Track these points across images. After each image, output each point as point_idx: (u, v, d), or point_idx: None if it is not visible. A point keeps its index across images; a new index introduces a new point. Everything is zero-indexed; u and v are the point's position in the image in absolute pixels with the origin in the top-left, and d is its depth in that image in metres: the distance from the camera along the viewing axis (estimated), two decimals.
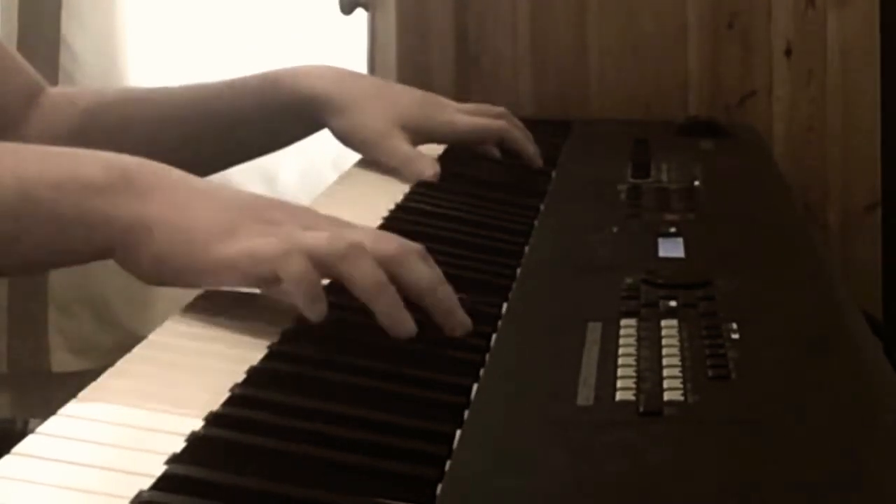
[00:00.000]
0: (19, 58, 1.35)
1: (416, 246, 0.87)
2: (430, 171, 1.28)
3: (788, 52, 1.71)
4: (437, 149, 1.39)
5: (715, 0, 1.71)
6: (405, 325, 0.83)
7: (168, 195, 0.88)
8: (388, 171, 1.32)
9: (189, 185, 0.90)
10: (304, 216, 0.89)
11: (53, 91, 1.37)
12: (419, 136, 1.34)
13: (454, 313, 0.85)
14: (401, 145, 1.31)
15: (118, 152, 1.35)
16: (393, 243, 0.86)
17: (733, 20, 1.71)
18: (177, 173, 0.91)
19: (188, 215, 0.87)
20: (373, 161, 1.35)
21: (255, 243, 0.85)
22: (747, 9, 1.71)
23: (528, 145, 1.37)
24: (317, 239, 0.85)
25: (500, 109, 1.40)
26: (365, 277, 0.83)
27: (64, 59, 2.23)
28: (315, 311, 0.83)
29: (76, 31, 2.24)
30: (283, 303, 0.90)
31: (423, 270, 0.86)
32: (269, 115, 1.34)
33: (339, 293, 0.91)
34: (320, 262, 0.83)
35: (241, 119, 1.34)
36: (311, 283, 0.83)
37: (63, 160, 0.88)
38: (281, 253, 0.83)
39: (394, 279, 0.84)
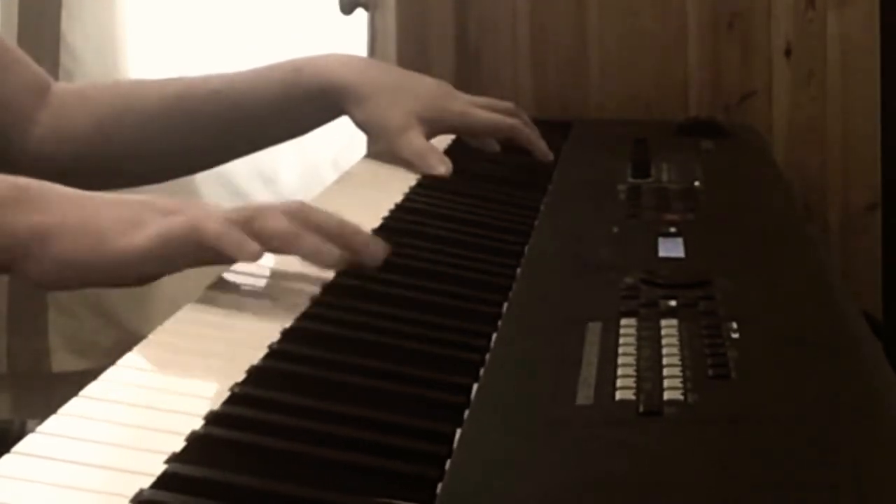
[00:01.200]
0: (23, 54, 1.36)
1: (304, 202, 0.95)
2: (442, 167, 1.31)
3: (788, 52, 1.71)
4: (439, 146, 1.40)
5: (715, 0, 1.71)
6: (331, 254, 0.91)
7: (67, 203, 0.91)
8: (387, 171, 1.32)
9: (86, 194, 0.93)
10: (202, 206, 0.94)
11: (61, 87, 1.38)
12: (435, 126, 1.37)
13: (368, 243, 0.95)
14: (416, 139, 1.33)
15: (139, 144, 1.36)
16: (290, 202, 0.94)
17: (733, 20, 1.72)
18: (71, 189, 0.94)
19: (91, 217, 0.90)
20: (376, 158, 1.35)
21: (162, 225, 0.89)
22: (747, 9, 1.71)
23: (539, 141, 1.40)
24: (222, 211, 0.91)
25: (508, 104, 1.43)
26: (278, 227, 0.90)
27: (64, 58, 2.23)
28: (249, 254, 0.89)
29: (76, 31, 2.24)
30: (283, 302, 0.90)
31: (326, 213, 0.94)
32: (292, 103, 1.36)
33: (337, 294, 0.91)
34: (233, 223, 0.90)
35: (264, 107, 1.36)
36: (230, 233, 0.89)
37: None
38: (191, 225, 0.89)
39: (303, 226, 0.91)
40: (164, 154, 1.37)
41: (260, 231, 0.90)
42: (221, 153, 1.42)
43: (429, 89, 1.39)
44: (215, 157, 1.42)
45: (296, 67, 1.36)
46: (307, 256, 0.91)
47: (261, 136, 1.41)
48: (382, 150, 1.37)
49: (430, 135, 1.36)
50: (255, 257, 0.89)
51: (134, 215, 0.91)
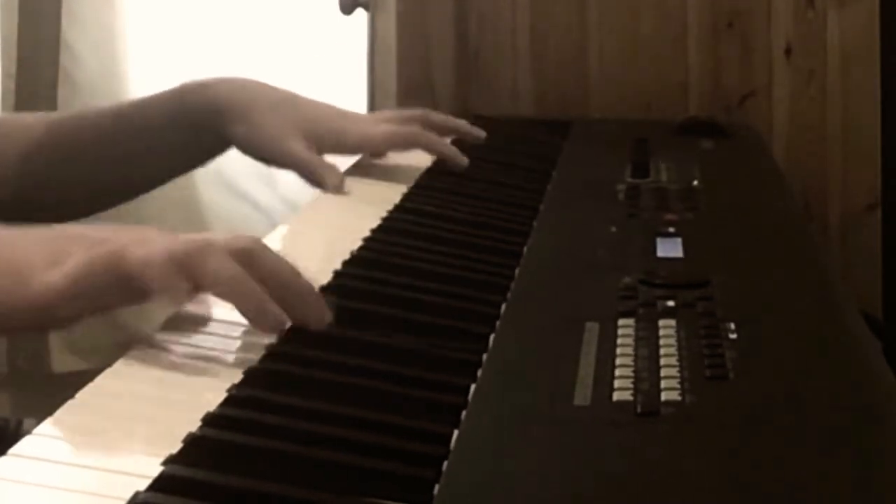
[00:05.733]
0: None
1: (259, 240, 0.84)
2: (334, 179, 1.23)
3: (788, 52, 1.71)
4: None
5: (715, 0, 1.71)
6: (275, 318, 0.81)
7: None
8: (387, 172, 1.31)
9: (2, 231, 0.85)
10: (137, 233, 0.83)
11: None
12: (324, 143, 1.27)
13: (313, 304, 0.82)
14: (300, 151, 1.25)
15: (22, 179, 1.28)
16: (242, 239, 0.82)
17: (733, 20, 1.72)
18: None
19: (5, 256, 0.81)
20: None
21: (83, 256, 0.80)
22: (747, 9, 1.71)
23: (447, 147, 1.31)
24: (163, 242, 0.81)
25: (417, 113, 1.35)
26: (222, 271, 0.79)
27: (64, 59, 2.23)
28: (175, 292, 0.79)
29: (76, 31, 2.24)
30: None
31: (278, 260, 0.82)
32: (175, 129, 1.27)
33: (335, 295, 0.91)
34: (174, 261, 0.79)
35: (149, 136, 1.28)
36: (157, 265, 0.78)
37: None
38: (113, 253, 0.79)
39: (250, 272, 0.80)
40: (48, 189, 1.28)
41: (197, 271, 0.79)
42: (114, 189, 1.33)
43: (318, 108, 1.30)
44: (109, 195, 1.33)
45: (179, 91, 1.28)
46: (247, 313, 0.80)
47: (155, 168, 1.32)
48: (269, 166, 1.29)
49: (319, 151, 1.27)
50: (180, 298, 0.81)
51: (56, 249, 0.81)
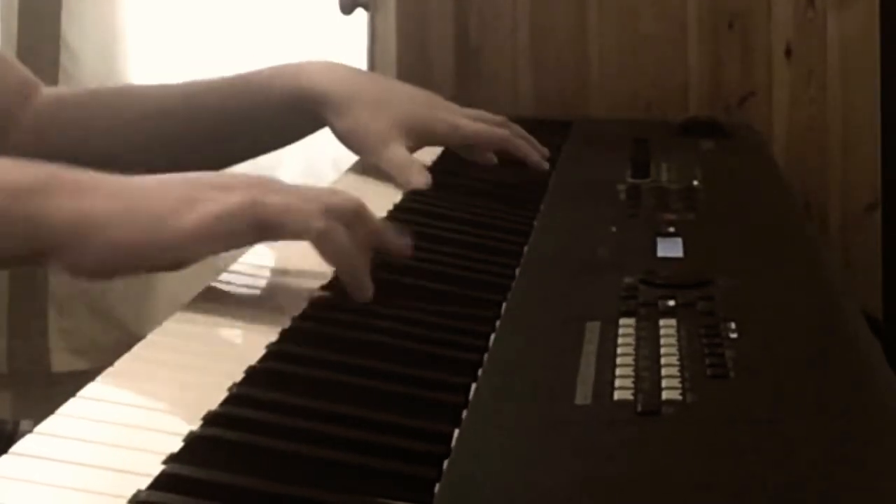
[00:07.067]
0: (11, 57, 1.34)
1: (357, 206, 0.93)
2: (422, 179, 1.26)
3: (788, 52, 1.71)
4: (433, 150, 1.38)
5: (715, 0, 1.72)
6: (368, 290, 0.90)
7: (108, 188, 0.86)
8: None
9: (127, 178, 0.88)
10: (259, 183, 0.90)
11: (48, 90, 1.34)
12: (420, 137, 1.32)
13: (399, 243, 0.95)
14: (398, 152, 1.28)
15: (113, 149, 1.32)
16: (349, 203, 0.92)
17: (733, 20, 1.72)
18: (108, 174, 0.89)
19: (139, 200, 0.86)
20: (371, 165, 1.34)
21: (220, 203, 0.86)
22: (747, 9, 1.71)
23: (532, 151, 1.36)
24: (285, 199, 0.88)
25: (500, 118, 1.39)
26: (337, 241, 0.88)
27: (64, 59, 2.22)
28: (316, 230, 0.87)
29: (76, 31, 2.24)
30: (281, 302, 0.90)
31: (376, 223, 0.94)
32: (270, 111, 1.31)
33: (336, 294, 0.91)
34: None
35: (242, 115, 1.31)
36: (296, 208, 0.87)
37: None
38: (251, 201, 0.86)
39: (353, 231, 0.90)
40: (135, 165, 1.32)
41: (315, 237, 0.88)
42: (198, 165, 1.36)
43: (415, 99, 1.34)
44: (193, 170, 1.38)
45: (275, 73, 1.31)
46: (346, 281, 0.90)
47: (238, 147, 1.36)
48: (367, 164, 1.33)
49: (416, 146, 1.31)
50: (320, 235, 0.88)
51: (185, 194, 0.87)
